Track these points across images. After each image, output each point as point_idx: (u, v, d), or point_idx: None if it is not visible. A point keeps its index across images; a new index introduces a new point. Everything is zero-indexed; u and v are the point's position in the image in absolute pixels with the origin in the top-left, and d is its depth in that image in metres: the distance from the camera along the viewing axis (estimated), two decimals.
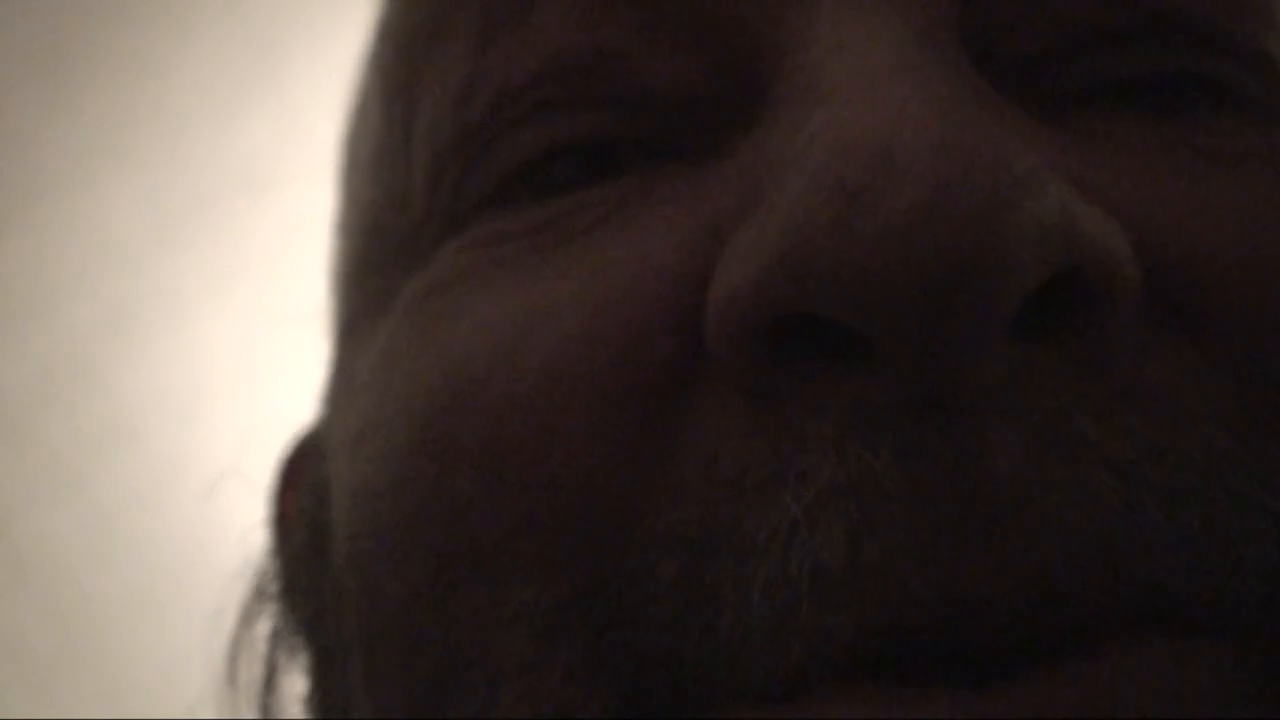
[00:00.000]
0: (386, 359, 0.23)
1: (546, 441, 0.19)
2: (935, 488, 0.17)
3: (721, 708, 0.18)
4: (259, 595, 0.30)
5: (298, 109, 1.31)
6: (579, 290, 0.20)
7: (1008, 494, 0.17)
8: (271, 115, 1.36)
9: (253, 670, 0.31)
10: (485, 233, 0.23)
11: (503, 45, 0.23)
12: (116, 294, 1.45)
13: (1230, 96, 0.22)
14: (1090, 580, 0.17)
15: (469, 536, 0.20)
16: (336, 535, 0.24)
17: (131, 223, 1.43)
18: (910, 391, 0.17)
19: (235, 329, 1.41)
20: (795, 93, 0.19)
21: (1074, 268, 0.17)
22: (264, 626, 0.30)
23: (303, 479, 0.29)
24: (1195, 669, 0.17)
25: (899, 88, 0.17)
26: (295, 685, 0.30)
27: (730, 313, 0.18)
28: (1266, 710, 0.17)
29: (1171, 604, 0.17)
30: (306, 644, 0.28)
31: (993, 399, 0.17)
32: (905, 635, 0.17)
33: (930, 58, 0.19)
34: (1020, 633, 0.17)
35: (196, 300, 1.45)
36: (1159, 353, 0.18)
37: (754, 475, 0.18)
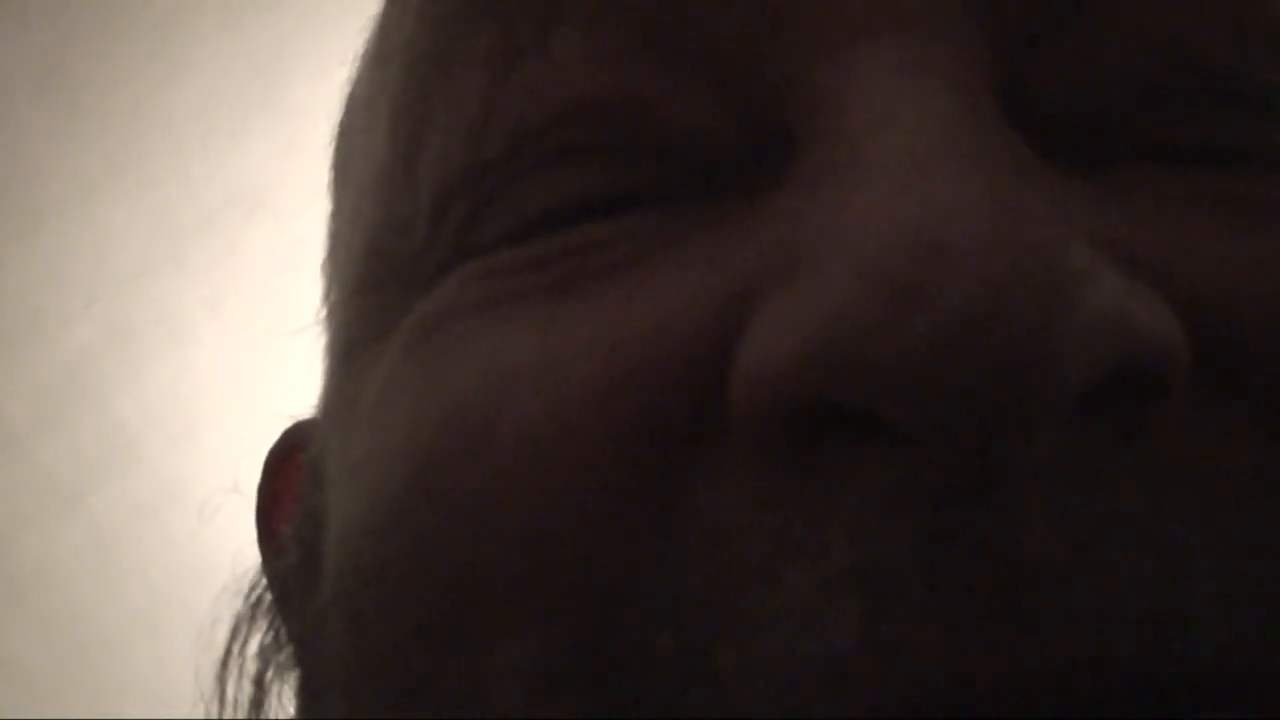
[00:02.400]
0: (389, 391, 0.23)
1: (549, 497, 0.19)
2: (962, 575, 0.16)
3: None
4: (251, 609, 0.30)
5: (297, 131, 1.31)
6: (593, 341, 0.19)
7: (1041, 580, 0.16)
8: (271, 138, 1.36)
9: (242, 688, 0.30)
10: (495, 264, 0.22)
11: (521, 77, 0.22)
12: (115, 315, 1.45)
13: (1260, 150, 0.21)
14: (1130, 660, 0.16)
15: (465, 587, 0.19)
16: (327, 565, 0.23)
17: (131, 244, 1.43)
18: (942, 477, 0.16)
19: (234, 350, 1.42)
20: (834, 161, 0.18)
21: (1131, 360, 0.16)
22: (254, 643, 0.30)
23: (298, 496, 0.28)
24: None
25: (947, 173, 0.17)
26: (285, 705, 0.30)
27: (762, 388, 0.17)
28: None
29: (1230, 676, 0.17)
30: (296, 664, 0.27)
31: (1034, 484, 0.16)
32: (922, 716, 0.16)
33: (977, 136, 0.18)
34: (1050, 712, 0.16)
35: (195, 321, 1.45)
36: (1207, 423, 0.18)
37: (763, 550, 0.17)
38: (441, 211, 0.23)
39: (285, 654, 0.29)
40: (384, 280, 0.24)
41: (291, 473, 0.30)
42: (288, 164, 1.41)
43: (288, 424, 0.32)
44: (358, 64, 0.29)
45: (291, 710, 0.29)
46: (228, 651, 0.31)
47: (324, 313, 0.28)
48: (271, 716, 0.30)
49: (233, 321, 1.43)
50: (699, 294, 0.19)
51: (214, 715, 0.31)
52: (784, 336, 0.17)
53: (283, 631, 0.29)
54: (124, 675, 1.45)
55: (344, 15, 0.29)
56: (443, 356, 0.22)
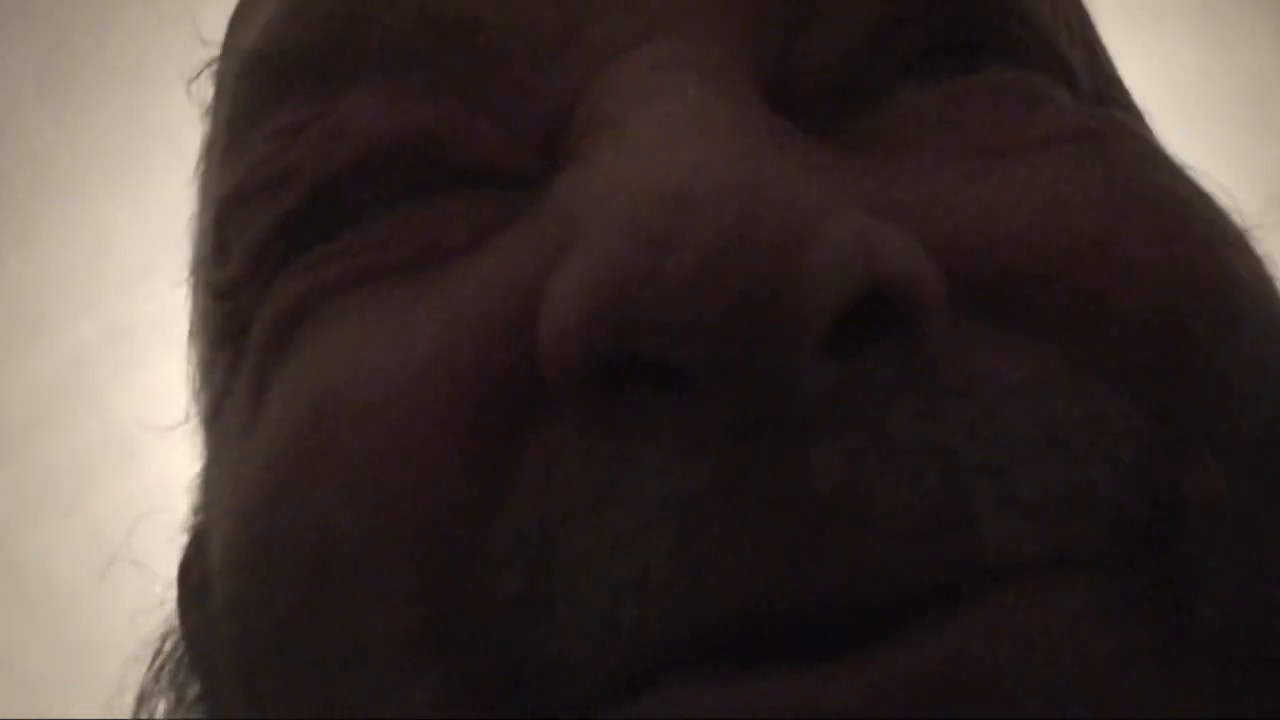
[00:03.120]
0: (245, 408, 0.24)
1: (391, 465, 0.20)
2: (756, 504, 0.18)
3: (582, 712, 0.19)
4: (156, 676, 0.31)
5: None
6: (423, 322, 0.21)
7: (828, 500, 0.18)
8: None
9: None
10: (315, 257, 0.24)
11: (310, 138, 0.24)
12: (116, 315, 1.45)
13: (1011, 53, 0.24)
14: (920, 556, 0.18)
15: (325, 559, 0.20)
16: (214, 586, 0.24)
17: (132, 244, 1.43)
18: (731, 416, 0.18)
19: None
20: (602, 142, 0.21)
21: (878, 288, 0.18)
22: (161, 710, 0.30)
23: (194, 572, 0.29)
24: (1049, 611, 0.18)
25: (694, 134, 0.19)
26: None
27: (555, 348, 0.19)
28: (1132, 639, 0.18)
29: (1013, 562, 0.18)
30: (200, 699, 0.28)
31: (813, 417, 0.18)
32: (738, 624, 0.18)
33: (724, 105, 0.20)
34: (854, 612, 0.18)
35: None
36: (979, 347, 0.19)
37: (586, 495, 0.19)
38: (255, 265, 0.24)
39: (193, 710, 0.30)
40: (221, 344, 0.26)
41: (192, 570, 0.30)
42: None
43: None
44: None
45: None
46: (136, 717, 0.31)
47: (194, 399, 0.30)
48: None
49: None
50: (509, 271, 0.21)
51: None
52: (563, 299, 0.19)
53: (189, 692, 0.30)
54: (122, 673, 1.45)
55: None
56: (305, 343, 0.23)
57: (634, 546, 0.18)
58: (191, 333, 0.30)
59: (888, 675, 0.17)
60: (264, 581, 0.21)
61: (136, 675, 0.32)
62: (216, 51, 0.30)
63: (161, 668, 0.31)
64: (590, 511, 0.19)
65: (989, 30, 0.24)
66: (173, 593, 0.31)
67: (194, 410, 0.30)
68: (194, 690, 0.30)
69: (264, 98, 0.25)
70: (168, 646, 0.31)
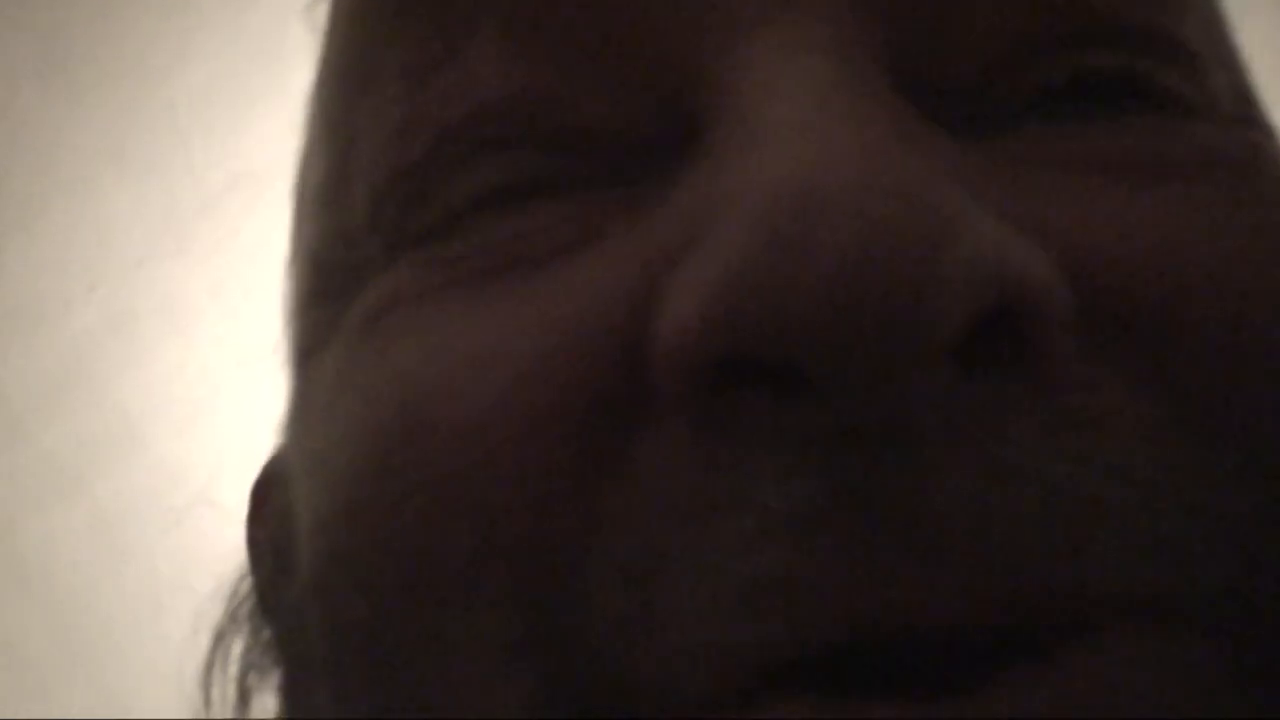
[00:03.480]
0: (338, 384, 0.24)
1: (492, 475, 0.20)
2: (873, 515, 0.17)
3: None
4: (232, 618, 0.31)
5: (300, 116, 1.30)
6: (526, 325, 0.21)
7: (945, 516, 0.17)
8: (274, 123, 1.36)
9: (226, 693, 0.31)
10: (429, 255, 0.23)
11: (436, 86, 0.23)
12: (118, 300, 1.45)
13: (1154, 95, 0.23)
14: (1026, 589, 0.17)
15: (422, 566, 0.20)
16: (299, 560, 0.24)
17: (133, 229, 1.43)
18: (850, 425, 0.17)
19: (237, 335, 1.42)
20: (730, 135, 0.20)
21: (1008, 301, 0.18)
22: (237, 649, 0.31)
23: (271, 505, 0.29)
24: (1154, 662, 0.17)
25: (827, 131, 0.18)
26: (267, 708, 0.30)
27: (675, 351, 0.18)
28: (1238, 698, 0.18)
29: (1114, 606, 0.18)
30: (277, 665, 0.28)
31: (933, 429, 0.17)
32: (847, 648, 0.17)
33: (853, 98, 0.19)
34: (964, 646, 0.17)
35: (198, 306, 1.45)
36: (1100, 377, 0.19)
37: (695, 504, 0.18)
38: (376, 216, 0.24)
39: (266, 656, 0.30)
40: (329, 292, 0.25)
41: (270, 499, 0.31)
42: (291, 149, 1.41)
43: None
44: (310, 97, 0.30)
45: (273, 712, 0.30)
46: (211, 658, 0.32)
47: (283, 327, 0.30)
48: (254, 718, 0.31)
49: (236, 307, 1.43)
50: (618, 275, 0.20)
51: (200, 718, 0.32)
52: (688, 300, 0.18)
53: (264, 634, 0.30)
54: (127, 659, 1.45)
55: None
56: (386, 346, 0.23)
57: (745, 556, 0.18)
58: (296, 252, 0.29)
59: (989, 716, 0.17)
60: (356, 581, 0.21)
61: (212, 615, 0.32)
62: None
63: (238, 608, 0.31)
64: (702, 520, 0.18)
65: (1137, 68, 0.23)
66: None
67: (285, 328, 0.29)
68: (267, 634, 0.30)
69: (388, 28, 0.24)
70: (244, 588, 0.31)
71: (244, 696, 0.30)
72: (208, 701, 0.31)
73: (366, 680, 0.21)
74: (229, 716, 0.31)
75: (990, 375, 0.18)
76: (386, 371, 0.22)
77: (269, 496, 0.30)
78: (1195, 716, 0.17)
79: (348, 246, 0.25)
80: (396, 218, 0.24)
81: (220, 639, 0.31)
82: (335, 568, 0.22)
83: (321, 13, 0.29)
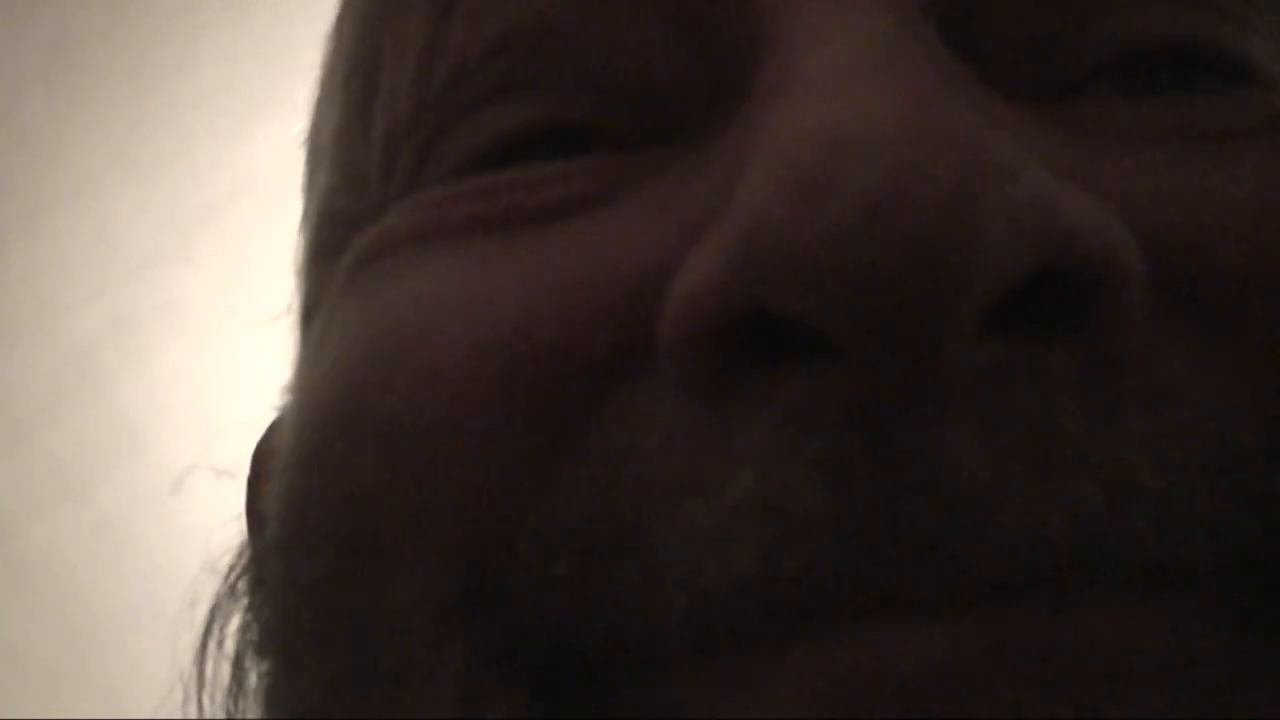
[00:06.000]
0: (323, 332, 0.22)
1: (453, 426, 0.18)
2: (867, 498, 0.16)
3: (636, 679, 0.17)
4: (230, 589, 0.30)
5: (304, 121, 1.31)
6: (525, 276, 0.19)
7: (957, 505, 0.16)
8: (278, 127, 1.36)
9: (220, 669, 0.30)
10: (435, 197, 0.22)
11: (462, 11, 0.22)
12: (122, 304, 1.45)
13: (1219, 62, 0.21)
14: (1051, 563, 0.16)
15: (369, 519, 0.19)
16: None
17: (138, 233, 1.43)
18: (860, 390, 0.16)
19: (240, 340, 1.42)
20: (770, 89, 0.18)
21: (1064, 260, 0.16)
22: (233, 624, 0.30)
23: (270, 470, 0.29)
24: (1168, 623, 0.16)
25: (868, 79, 0.17)
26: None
27: (687, 309, 0.17)
28: (1238, 657, 0.17)
29: (1157, 573, 0.16)
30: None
31: (956, 400, 0.16)
32: (860, 589, 0.16)
33: (905, 49, 0.18)
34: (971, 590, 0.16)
35: (202, 310, 1.45)
36: (1172, 350, 0.17)
37: (666, 483, 0.17)
38: (392, 157, 0.23)
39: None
40: (337, 245, 0.24)
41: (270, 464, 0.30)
42: (294, 155, 1.41)
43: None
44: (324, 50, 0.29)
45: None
46: (206, 632, 0.30)
47: (295, 286, 0.28)
48: (250, 695, 0.30)
49: (239, 311, 1.43)
50: (640, 237, 0.19)
51: (193, 695, 0.31)
52: (711, 253, 0.17)
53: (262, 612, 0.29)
54: (128, 662, 1.45)
55: None
56: (370, 288, 0.21)
57: (718, 546, 0.16)
58: (306, 210, 0.27)
59: (1010, 637, 0.16)
60: (303, 537, 0.20)
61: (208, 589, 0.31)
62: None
63: (235, 581, 0.30)
64: (669, 501, 0.17)
65: (1202, 34, 0.21)
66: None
67: (294, 300, 0.28)
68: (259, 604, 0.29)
69: None
70: (242, 560, 0.30)
71: (239, 674, 0.29)
72: (201, 680, 0.30)
73: (312, 646, 0.20)
74: (223, 694, 0.30)
75: (1039, 345, 0.16)
76: (365, 313, 0.21)
77: (267, 465, 0.29)
78: (1204, 682, 0.16)
79: (361, 194, 0.23)
80: (413, 160, 0.22)
81: (215, 614, 0.30)
82: (292, 520, 0.21)
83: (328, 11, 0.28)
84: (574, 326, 0.18)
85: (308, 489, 0.20)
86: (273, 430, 0.30)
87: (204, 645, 0.30)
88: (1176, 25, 0.21)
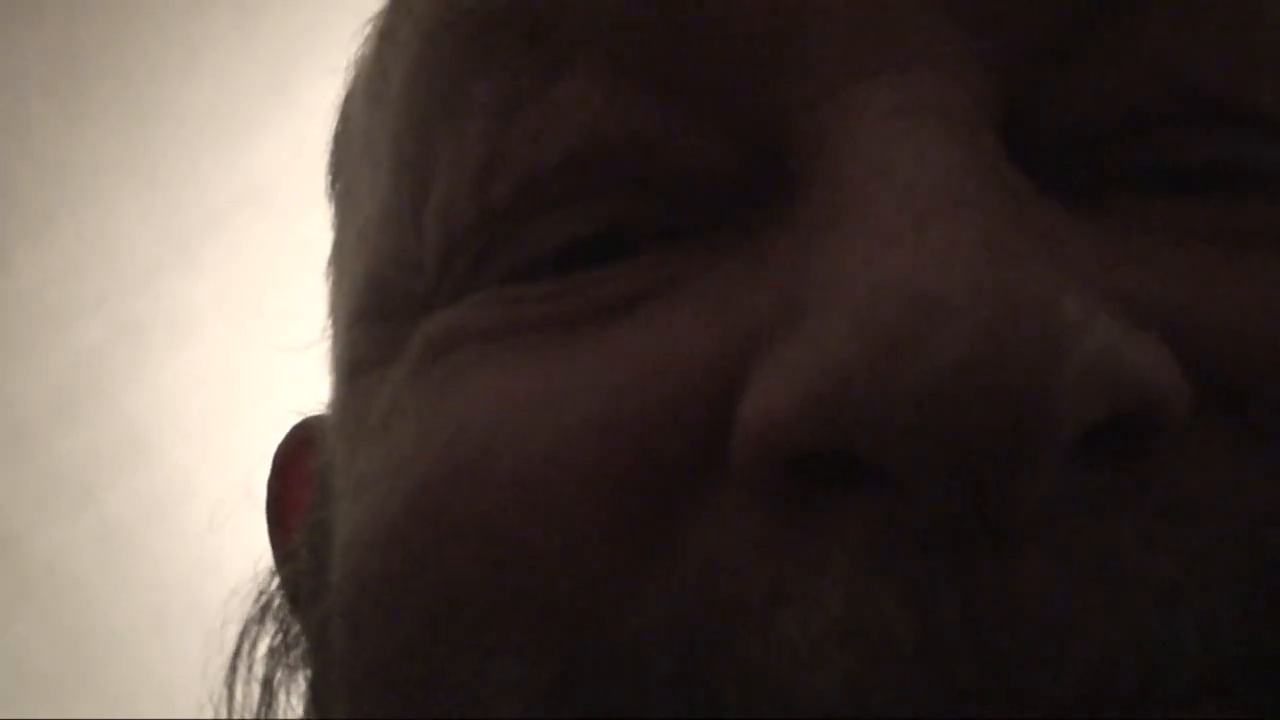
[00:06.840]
0: (394, 411, 0.23)
1: (546, 527, 0.19)
2: (953, 623, 0.17)
3: None
4: (261, 612, 0.30)
5: (307, 130, 1.30)
6: (597, 377, 0.20)
7: (1036, 626, 0.16)
8: (281, 136, 1.37)
9: (250, 691, 0.31)
10: (503, 295, 0.22)
11: (524, 122, 0.22)
12: (126, 312, 1.45)
13: (1272, 175, 0.21)
14: (1117, 690, 0.17)
15: (460, 606, 0.20)
16: (333, 573, 0.24)
17: (143, 241, 1.43)
18: (933, 522, 0.17)
19: (246, 348, 1.42)
20: (832, 208, 0.19)
21: (1129, 406, 0.17)
22: (263, 645, 0.30)
23: (304, 486, 0.29)
24: None
25: (942, 223, 0.17)
26: (293, 707, 0.30)
27: (762, 436, 0.18)
28: None
29: (1211, 687, 0.17)
30: (306, 664, 0.28)
31: (1030, 530, 0.17)
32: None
33: (973, 181, 0.18)
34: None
35: (206, 319, 1.45)
36: (1212, 460, 0.18)
37: (759, 596, 0.18)
38: (450, 254, 0.23)
39: (294, 655, 0.30)
40: (392, 313, 0.25)
41: (300, 468, 0.30)
42: (298, 163, 1.41)
43: (296, 420, 0.33)
44: (354, 83, 0.29)
45: (299, 713, 0.30)
46: (237, 653, 0.31)
47: (329, 329, 0.29)
48: (279, 718, 0.30)
49: (243, 319, 1.43)
50: (703, 339, 0.20)
51: (223, 716, 0.31)
52: (785, 388, 0.17)
53: (292, 632, 0.30)
54: (134, 671, 1.45)
55: (355, 15, 0.30)
56: (447, 381, 0.22)
57: (811, 663, 0.17)
58: (345, 261, 0.28)
59: None
60: (384, 611, 0.21)
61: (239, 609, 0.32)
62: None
63: (268, 604, 0.31)
64: (761, 615, 0.17)
65: (1248, 150, 0.21)
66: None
67: (331, 334, 0.29)
68: (296, 629, 0.29)
69: (474, 55, 0.23)
70: (273, 585, 0.31)
71: (268, 695, 0.30)
72: (231, 699, 0.31)
73: (386, 709, 0.21)
74: (251, 717, 0.31)
75: (1096, 475, 0.17)
76: (445, 406, 0.22)
77: (300, 475, 0.29)
78: None
79: (413, 272, 0.24)
80: (473, 259, 0.23)
81: (246, 635, 0.31)
82: (366, 593, 0.21)
83: (335, 23, 0.28)
84: (650, 429, 0.19)
85: (385, 572, 0.21)
86: (298, 449, 0.30)
87: (233, 667, 0.31)
88: (1244, 148, 0.21)
